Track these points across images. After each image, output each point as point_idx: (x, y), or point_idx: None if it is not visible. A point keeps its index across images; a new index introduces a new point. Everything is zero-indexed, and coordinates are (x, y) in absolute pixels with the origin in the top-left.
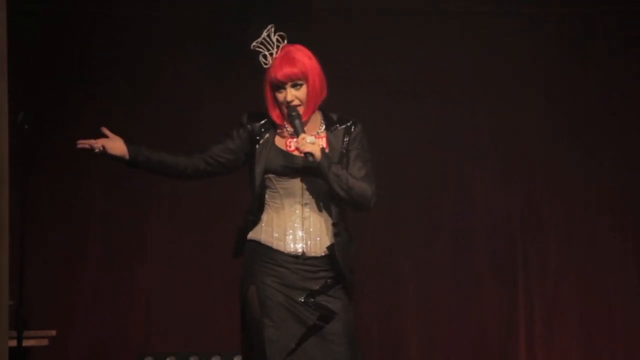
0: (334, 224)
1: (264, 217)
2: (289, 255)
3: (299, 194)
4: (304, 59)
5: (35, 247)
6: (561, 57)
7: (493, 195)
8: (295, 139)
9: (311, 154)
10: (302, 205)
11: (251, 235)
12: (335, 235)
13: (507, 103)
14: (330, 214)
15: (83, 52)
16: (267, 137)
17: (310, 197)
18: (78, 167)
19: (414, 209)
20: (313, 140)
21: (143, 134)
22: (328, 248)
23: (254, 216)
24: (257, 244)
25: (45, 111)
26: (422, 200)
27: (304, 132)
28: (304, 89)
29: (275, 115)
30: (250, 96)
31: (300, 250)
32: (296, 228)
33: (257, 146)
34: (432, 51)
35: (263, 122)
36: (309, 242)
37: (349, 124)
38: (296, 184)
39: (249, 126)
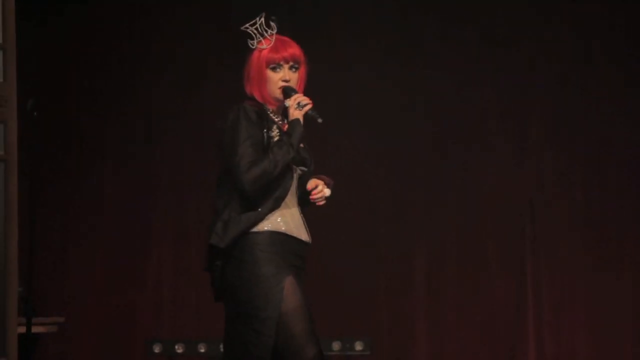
0: (301, 205)
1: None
2: (305, 243)
3: (295, 185)
4: (299, 48)
5: (44, 234)
6: (572, 41)
7: (502, 181)
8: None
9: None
10: (295, 195)
11: (268, 226)
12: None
13: (515, 87)
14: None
15: (92, 35)
16: (276, 130)
17: (297, 187)
18: (87, 153)
19: (422, 196)
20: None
21: (152, 116)
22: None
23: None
24: (282, 235)
25: (55, 98)
26: (430, 187)
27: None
28: (296, 75)
29: (264, 93)
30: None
31: (309, 238)
32: (300, 217)
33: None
34: (438, 34)
35: (264, 115)
36: (307, 230)
37: None
38: (295, 175)
39: (257, 118)
